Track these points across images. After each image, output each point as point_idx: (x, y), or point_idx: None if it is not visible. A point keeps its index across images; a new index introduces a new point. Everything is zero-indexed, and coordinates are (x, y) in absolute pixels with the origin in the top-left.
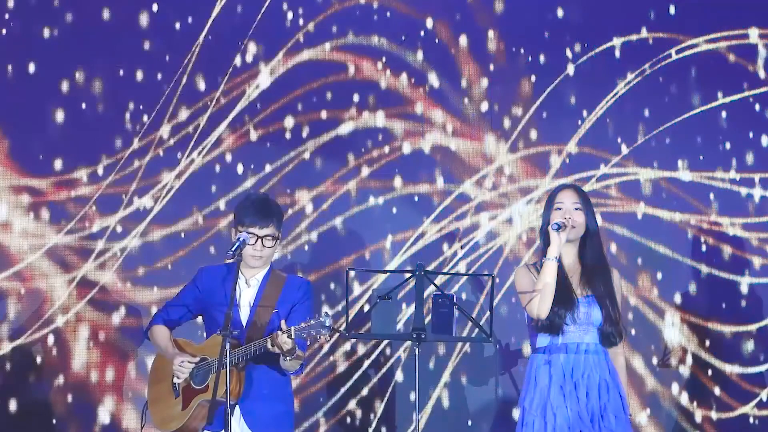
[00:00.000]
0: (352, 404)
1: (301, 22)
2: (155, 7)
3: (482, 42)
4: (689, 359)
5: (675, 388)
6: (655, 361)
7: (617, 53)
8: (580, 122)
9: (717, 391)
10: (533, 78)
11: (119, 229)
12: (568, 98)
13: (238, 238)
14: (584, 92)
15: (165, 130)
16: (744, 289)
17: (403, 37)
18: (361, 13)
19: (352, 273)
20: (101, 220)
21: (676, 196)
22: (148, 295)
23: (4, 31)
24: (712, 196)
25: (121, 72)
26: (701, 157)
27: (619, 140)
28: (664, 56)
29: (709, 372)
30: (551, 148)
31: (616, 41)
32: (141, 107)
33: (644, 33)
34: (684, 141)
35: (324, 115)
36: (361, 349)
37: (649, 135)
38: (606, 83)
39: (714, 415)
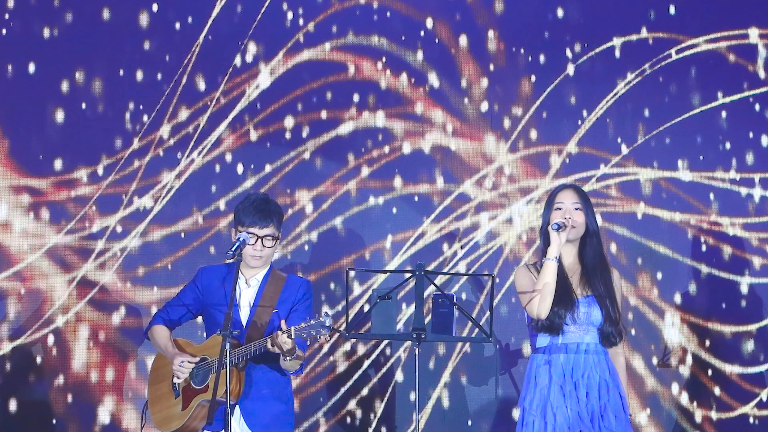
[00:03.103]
0: (352, 404)
1: (301, 22)
2: (155, 7)
3: (482, 42)
4: (689, 359)
5: (675, 388)
6: (655, 361)
7: (617, 53)
8: (580, 122)
9: (717, 391)
10: (533, 78)
11: (119, 229)
12: (568, 98)
13: (238, 238)
14: (584, 92)
15: (165, 130)
16: (744, 289)
17: (403, 37)
18: (361, 13)
19: (352, 273)
20: (101, 220)
21: (676, 196)
22: (148, 295)
23: (4, 31)
24: (712, 196)
25: (121, 72)
26: (701, 157)
27: (619, 140)
28: (664, 56)
29: (709, 372)
30: (551, 148)
31: (616, 41)
32: (141, 107)
33: (644, 33)
34: (684, 141)
35: (324, 115)
36: (361, 349)
37: (649, 135)
38: (606, 83)
39: (714, 415)
